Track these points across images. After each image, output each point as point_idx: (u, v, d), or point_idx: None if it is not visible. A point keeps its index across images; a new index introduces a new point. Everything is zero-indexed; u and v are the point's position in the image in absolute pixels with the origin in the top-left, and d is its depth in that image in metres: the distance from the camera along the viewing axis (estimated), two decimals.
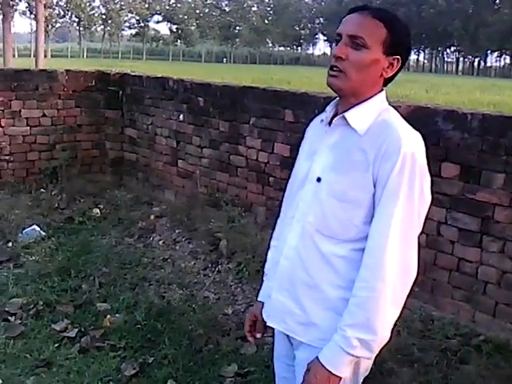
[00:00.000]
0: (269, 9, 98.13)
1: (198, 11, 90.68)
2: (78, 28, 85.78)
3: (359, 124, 1.62)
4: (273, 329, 1.84)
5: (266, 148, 5.02)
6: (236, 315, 3.82)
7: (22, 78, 6.22)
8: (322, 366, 1.57)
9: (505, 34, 77.12)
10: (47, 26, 56.13)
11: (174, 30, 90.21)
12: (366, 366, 1.71)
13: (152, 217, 5.59)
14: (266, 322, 1.83)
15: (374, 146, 1.57)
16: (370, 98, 1.65)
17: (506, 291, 3.52)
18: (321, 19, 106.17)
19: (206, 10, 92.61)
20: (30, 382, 3.05)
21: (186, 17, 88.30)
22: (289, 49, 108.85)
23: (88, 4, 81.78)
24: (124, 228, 5.34)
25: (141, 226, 5.37)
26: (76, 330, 3.56)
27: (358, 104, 1.64)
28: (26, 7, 70.08)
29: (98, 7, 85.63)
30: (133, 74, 6.80)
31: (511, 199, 3.47)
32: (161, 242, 5.06)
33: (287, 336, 1.78)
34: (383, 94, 1.68)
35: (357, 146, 1.61)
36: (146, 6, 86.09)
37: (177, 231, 5.22)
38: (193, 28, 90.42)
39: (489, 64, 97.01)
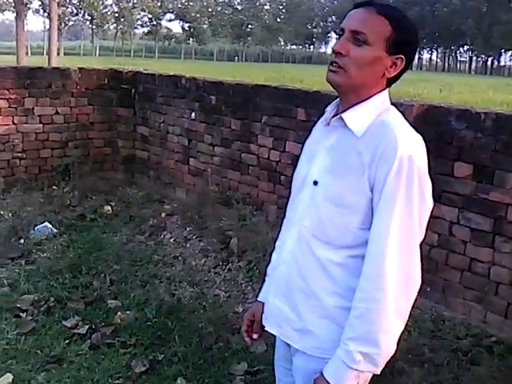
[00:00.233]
0: (281, 7, 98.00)
1: (210, 9, 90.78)
2: (90, 26, 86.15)
3: (356, 125, 1.56)
4: None
5: (277, 146, 5.01)
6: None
7: (35, 76, 6.26)
8: (327, 381, 1.51)
9: None
10: (60, 24, 56.46)
11: (187, 29, 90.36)
12: (366, 377, 1.62)
13: (163, 214, 5.60)
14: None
15: (370, 149, 1.50)
16: (370, 97, 1.58)
17: None
18: (333, 17, 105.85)
19: (219, 9, 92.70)
20: (40, 378, 3.07)
21: (198, 15, 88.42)
22: (301, 47, 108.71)
23: (101, 2, 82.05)
24: (135, 225, 5.36)
25: (152, 223, 5.38)
26: (87, 326, 3.57)
27: (357, 104, 1.58)
28: (40, 5, 70.54)
29: (111, 5, 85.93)
30: (145, 72, 6.81)
31: None
32: (172, 240, 5.06)
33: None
34: (385, 93, 1.61)
35: (353, 149, 1.54)
36: (159, 4, 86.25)
37: (188, 229, 5.23)
38: (205, 26, 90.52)
39: (502, 63, 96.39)
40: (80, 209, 5.70)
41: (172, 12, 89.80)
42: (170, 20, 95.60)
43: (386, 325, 1.46)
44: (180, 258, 4.68)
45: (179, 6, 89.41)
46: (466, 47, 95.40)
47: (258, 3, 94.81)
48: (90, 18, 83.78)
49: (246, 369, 3.19)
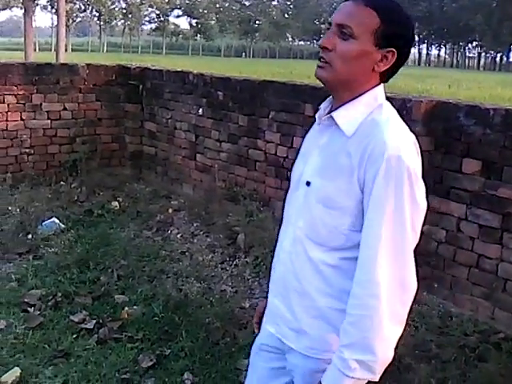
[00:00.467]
0: (289, 3, 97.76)
1: (217, 5, 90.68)
2: (98, 22, 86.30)
3: (347, 124, 1.50)
4: None
5: (284, 142, 5.00)
6: (253, 309, 3.81)
7: (43, 72, 6.27)
8: None
9: None
10: (68, 20, 56.59)
11: (194, 25, 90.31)
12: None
13: (170, 210, 5.62)
14: None
15: (359, 149, 1.45)
16: (362, 94, 1.52)
17: None
18: None
19: (226, 4, 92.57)
20: (48, 372, 3.08)
21: (205, 11, 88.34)
22: (309, 43, 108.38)
23: None
24: (142, 221, 5.37)
25: (159, 219, 5.39)
26: (94, 321, 3.58)
27: (349, 101, 1.52)
28: (47, 2, 70.77)
29: (119, 1, 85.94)
30: (153, 68, 6.82)
31: None
32: (179, 236, 5.07)
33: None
34: (378, 89, 1.54)
35: (343, 149, 1.49)
36: (166, 0, 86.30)
37: (195, 225, 5.24)
38: (212, 22, 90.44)
39: (511, 59, 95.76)
40: (87, 204, 5.72)
41: (179, 8, 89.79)
42: (178, 16, 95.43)
43: (381, 331, 1.42)
44: (187, 253, 4.69)
45: (187, 1, 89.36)
46: (474, 43, 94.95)
47: None
48: (97, 14, 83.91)
49: None
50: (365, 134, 1.47)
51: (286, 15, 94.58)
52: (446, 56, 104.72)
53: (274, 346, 1.72)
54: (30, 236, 4.87)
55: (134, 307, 3.76)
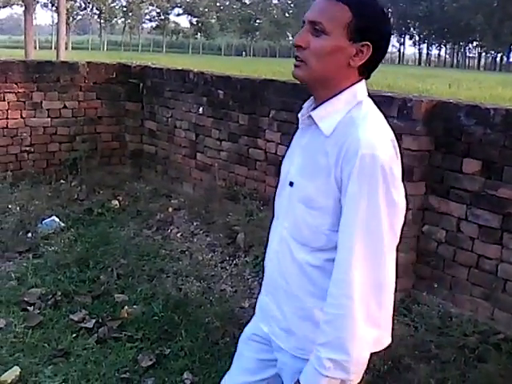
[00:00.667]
0: (290, 2, 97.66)
1: (218, 4, 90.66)
2: (98, 20, 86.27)
3: (325, 123, 1.49)
4: None
5: (285, 141, 4.99)
6: (253, 308, 3.79)
7: (44, 70, 6.27)
8: None
9: None
10: (68, 18, 56.55)
11: (194, 23, 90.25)
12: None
13: (170, 209, 5.61)
14: None
15: (335, 148, 1.44)
16: (341, 92, 1.50)
17: None
18: None
19: (227, 3, 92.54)
20: (47, 371, 3.08)
21: (206, 10, 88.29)
22: None
23: None
24: (142, 220, 5.36)
25: (159, 218, 5.39)
26: (94, 320, 3.58)
27: (328, 100, 1.51)
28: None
29: (119, 0, 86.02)
30: (153, 66, 6.81)
31: None
32: (179, 235, 5.07)
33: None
34: (358, 86, 1.52)
35: (322, 149, 1.48)
36: None
37: (195, 224, 5.24)
38: (213, 21, 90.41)
39: None
40: (87, 203, 5.71)
41: (180, 6, 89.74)
42: (178, 14, 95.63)
43: (355, 332, 1.42)
44: (187, 252, 4.69)
45: (187, 0, 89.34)
46: (475, 43, 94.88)
47: None
48: (98, 12, 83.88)
49: None
50: (342, 132, 1.46)
51: (287, 14, 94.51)
52: (447, 56, 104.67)
53: (265, 337, 1.72)
54: (29, 234, 4.87)
55: (134, 306, 3.75)
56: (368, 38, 1.47)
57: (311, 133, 1.55)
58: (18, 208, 5.13)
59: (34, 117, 6.26)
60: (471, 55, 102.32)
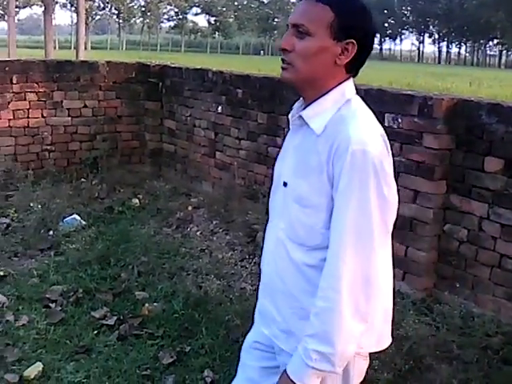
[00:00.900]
0: None
1: (236, 3, 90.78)
2: (117, 20, 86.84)
3: (316, 123, 1.52)
4: None
5: None
6: None
7: (64, 69, 6.33)
8: (288, 376, 1.51)
9: None
10: (87, 18, 56.94)
11: (213, 22, 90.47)
12: (357, 371, 1.60)
13: (190, 208, 5.63)
14: None
15: (326, 146, 1.46)
16: (329, 91, 1.52)
17: None
18: None
19: (245, 2, 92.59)
20: (69, 368, 3.11)
21: (224, 9, 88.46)
22: None
23: None
24: (162, 218, 5.39)
25: (179, 216, 5.41)
26: (115, 317, 3.61)
27: (316, 99, 1.53)
28: (67, 0, 71.27)
29: (138, 0, 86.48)
30: (172, 65, 6.84)
31: None
32: (198, 233, 5.09)
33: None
34: (346, 84, 1.54)
35: (314, 147, 1.50)
36: None
37: (214, 222, 5.25)
38: (231, 20, 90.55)
39: None
40: (108, 201, 5.76)
41: (198, 6, 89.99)
42: (196, 14, 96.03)
43: (341, 325, 1.43)
44: (207, 250, 4.70)
45: None
46: (495, 41, 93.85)
47: None
48: (116, 12, 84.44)
49: None
50: (332, 130, 1.48)
51: None
52: (467, 54, 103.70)
53: (267, 344, 1.73)
54: (51, 232, 4.92)
55: (155, 304, 3.77)
56: (352, 36, 1.48)
57: (303, 133, 1.57)
58: (39, 206, 5.18)
59: (55, 116, 6.32)
60: (492, 53, 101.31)
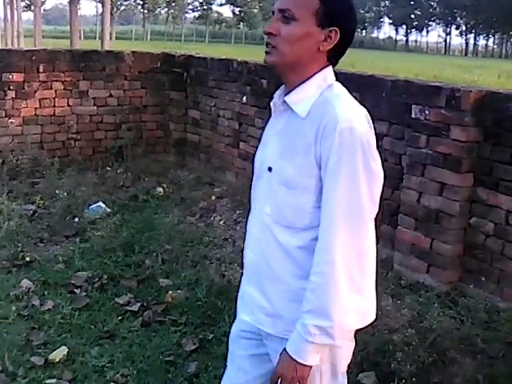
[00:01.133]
0: None
1: None
2: (142, 11, 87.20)
3: (300, 106, 1.56)
4: None
5: None
6: None
7: (90, 59, 6.37)
8: (288, 354, 1.54)
9: None
10: (112, 8, 57.24)
11: (237, 13, 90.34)
12: (345, 352, 1.64)
13: (213, 197, 5.65)
14: None
15: (313, 127, 1.51)
16: (311, 76, 1.57)
17: None
18: (386, 2, 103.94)
19: None
20: (94, 352, 3.16)
21: None
22: None
23: None
24: (186, 207, 5.42)
25: (202, 205, 5.43)
26: (139, 304, 3.65)
27: (299, 85, 1.57)
28: None
29: None
30: (197, 56, 6.85)
31: None
32: (221, 222, 5.10)
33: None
34: (327, 70, 1.59)
35: (300, 130, 1.55)
36: None
37: (237, 212, 5.26)
38: (255, 10, 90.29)
39: None
40: (133, 190, 5.80)
41: None
42: (221, 4, 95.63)
43: (337, 298, 1.47)
44: (230, 240, 4.72)
45: None
46: None
47: None
48: (141, 2, 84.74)
49: None
50: (318, 112, 1.52)
51: None
52: (495, 46, 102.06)
53: (253, 331, 1.73)
54: (76, 219, 4.98)
55: (178, 291, 3.80)
56: (335, 24, 1.53)
57: (286, 118, 1.61)
58: (65, 193, 5.23)
59: (81, 105, 6.38)
60: None
